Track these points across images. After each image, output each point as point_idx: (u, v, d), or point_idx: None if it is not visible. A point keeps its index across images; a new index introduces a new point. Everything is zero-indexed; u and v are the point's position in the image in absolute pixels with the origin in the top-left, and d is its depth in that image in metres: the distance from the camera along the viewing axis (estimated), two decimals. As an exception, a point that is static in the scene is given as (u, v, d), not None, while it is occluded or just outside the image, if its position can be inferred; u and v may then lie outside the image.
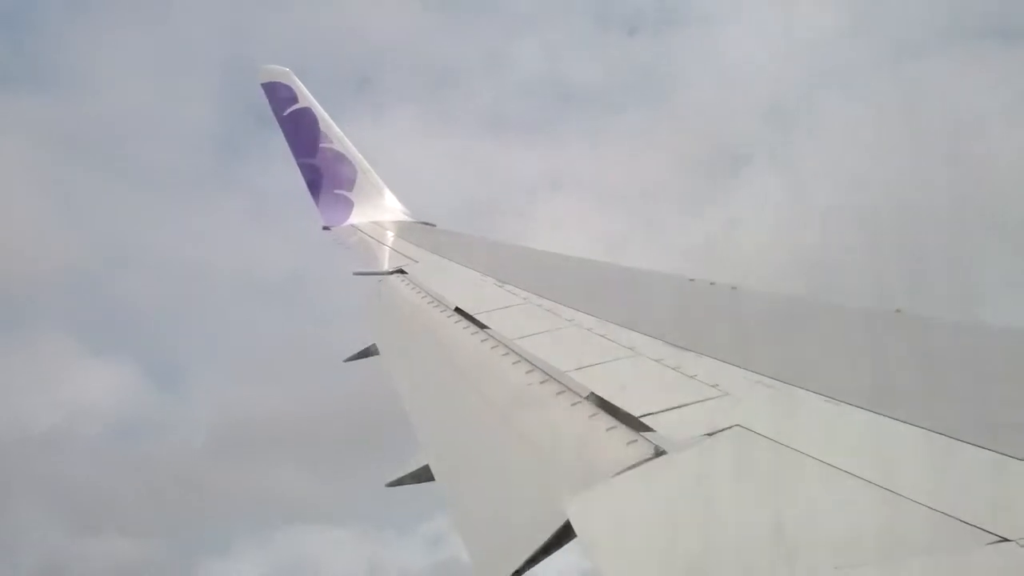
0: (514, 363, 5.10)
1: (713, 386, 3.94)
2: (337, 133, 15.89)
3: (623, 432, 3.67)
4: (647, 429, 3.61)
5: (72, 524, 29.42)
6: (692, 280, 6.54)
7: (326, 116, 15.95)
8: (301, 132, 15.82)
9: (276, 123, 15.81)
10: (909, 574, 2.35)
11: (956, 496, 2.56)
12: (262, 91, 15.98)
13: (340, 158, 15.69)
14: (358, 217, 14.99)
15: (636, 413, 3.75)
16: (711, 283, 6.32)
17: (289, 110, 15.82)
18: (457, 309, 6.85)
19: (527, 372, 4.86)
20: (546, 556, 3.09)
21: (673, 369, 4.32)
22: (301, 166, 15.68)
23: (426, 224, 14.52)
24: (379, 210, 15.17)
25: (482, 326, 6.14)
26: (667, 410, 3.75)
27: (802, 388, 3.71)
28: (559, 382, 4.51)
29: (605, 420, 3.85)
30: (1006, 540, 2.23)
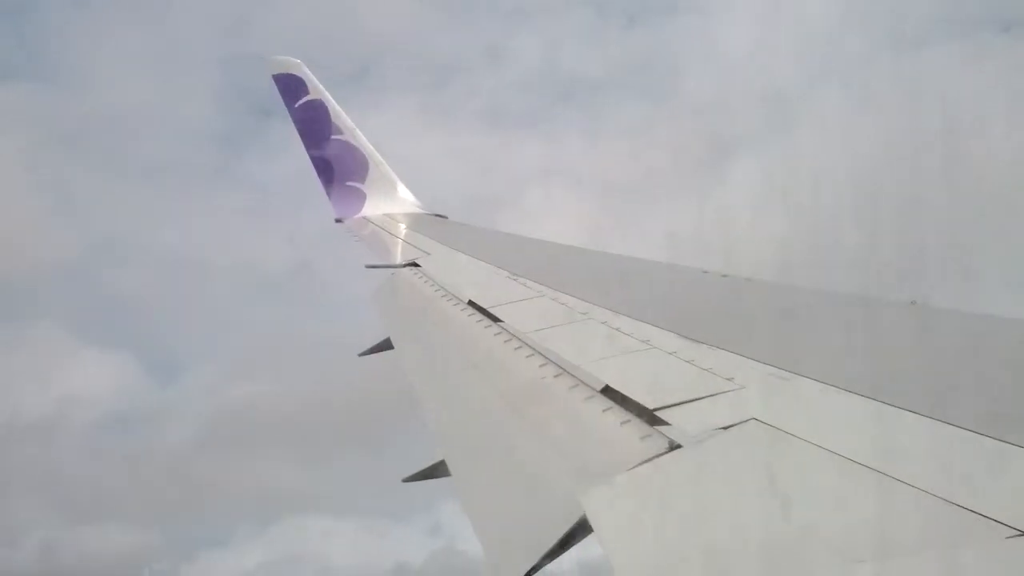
0: (528, 356, 5.09)
1: (728, 379, 3.93)
2: (349, 125, 15.86)
3: (637, 426, 3.66)
4: (662, 423, 3.60)
5: (80, 514, 29.63)
6: (706, 272, 6.52)
7: (338, 107, 15.91)
8: (313, 124, 15.79)
9: (287, 114, 15.80)
10: (929, 569, 2.34)
11: (977, 491, 2.54)
12: (272, 82, 15.99)
13: (352, 150, 15.66)
14: (371, 209, 14.96)
15: (650, 407, 3.74)
16: (724, 275, 6.30)
17: (300, 102, 15.79)
18: (470, 302, 6.85)
19: (541, 366, 4.85)
20: (562, 552, 3.09)
21: (688, 362, 4.30)
22: (313, 158, 15.65)
23: (439, 216, 14.49)
24: (392, 202, 15.13)
25: (496, 319, 6.13)
26: (682, 403, 3.74)
27: (818, 381, 3.69)
28: (573, 376, 4.51)
29: (619, 414, 3.85)
30: None
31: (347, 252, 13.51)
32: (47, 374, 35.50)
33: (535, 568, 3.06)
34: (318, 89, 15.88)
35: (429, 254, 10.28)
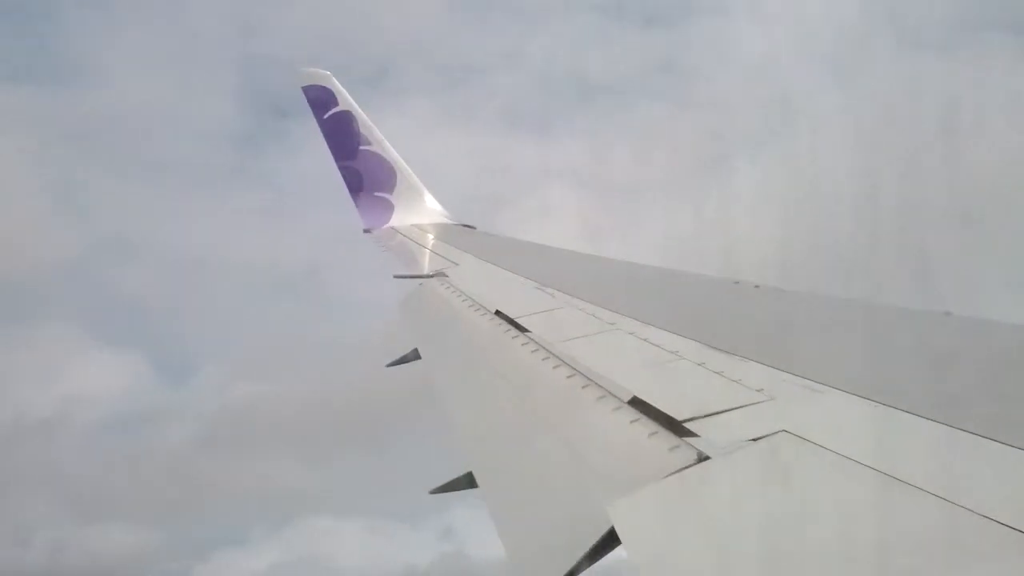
0: (555, 367, 5.07)
1: (758, 390, 3.89)
2: (377, 136, 15.99)
3: (666, 437, 3.62)
4: (690, 434, 3.57)
5: (96, 513, 29.89)
6: (736, 282, 6.47)
7: (366, 119, 16.05)
8: (341, 135, 15.94)
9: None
10: None
11: (1015, 506, 2.49)
12: (301, 94, 16.15)
13: (380, 160, 15.78)
14: (398, 219, 15.06)
15: (679, 418, 3.71)
16: (756, 286, 6.25)
17: (329, 113, 15.95)
18: (498, 312, 6.84)
19: (568, 376, 4.83)
20: (590, 564, 3.06)
21: (717, 373, 4.26)
22: (341, 169, 15.79)
23: (466, 226, 14.55)
24: (419, 212, 15.23)
25: (523, 329, 6.12)
26: (711, 415, 3.71)
27: (850, 393, 3.65)
28: (600, 386, 4.48)
29: (647, 425, 3.81)
30: None
31: (375, 262, 13.59)
32: (74, 372, 35.91)
33: None
34: (347, 100, 16.03)
35: (457, 264, 10.30)
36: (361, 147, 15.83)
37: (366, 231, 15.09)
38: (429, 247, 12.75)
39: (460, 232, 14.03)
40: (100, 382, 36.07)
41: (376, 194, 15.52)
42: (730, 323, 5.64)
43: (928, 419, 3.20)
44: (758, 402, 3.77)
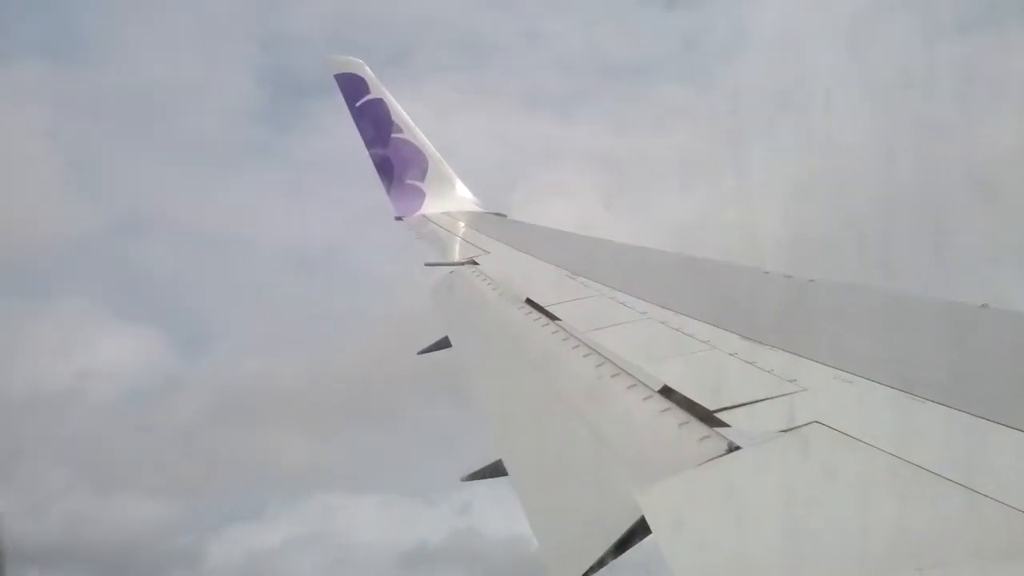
0: (585, 356, 5.07)
1: (790, 381, 3.87)
2: (409, 123, 16.00)
3: (696, 427, 3.62)
4: (721, 424, 3.56)
5: (109, 485, 30.20)
6: (768, 272, 6.43)
7: (398, 106, 16.07)
8: (373, 123, 15.97)
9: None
10: None
11: None
12: (334, 82, 16.20)
13: (412, 148, 15.80)
14: (430, 207, 15.09)
15: (710, 408, 3.70)
16: (788, 276, 6.20)
17: (361, 101, 15.98)
18: (528, 300, 6.85)
19: (598, 365, 4.83)
20: (620, 553, 3.07)
21: (749, 363, 4.25)
22: (373, 156, 15.83)
23: (497, 214, 14.55)
24: (450, 200, 15.25)
25: (554, 318, 6.12)
26: (742, 405, 3.70)
27: (883, 384, 3.62)
28: (631, 375, 4.48)
29: (678, 415, 3.81)
30: None
31: (407, 250, 13.64)
32: (118, 345, 36.37)
33: (592, 569, 3.04)
34: (379, 88, 16.05)
35: (488, 252, 10.31)
36: (393, 135, 15.86)
37: (398, 218, 15.14)
38: (460, 235, 12.76)
39: (491, 220, 14.04)
40: (130, 357, 36.48)
41: (408, 182, 15.55)
42: (762, 313, 5.60)
43: (964, 412, 3.17)
44: (790, 392, 3.75)
